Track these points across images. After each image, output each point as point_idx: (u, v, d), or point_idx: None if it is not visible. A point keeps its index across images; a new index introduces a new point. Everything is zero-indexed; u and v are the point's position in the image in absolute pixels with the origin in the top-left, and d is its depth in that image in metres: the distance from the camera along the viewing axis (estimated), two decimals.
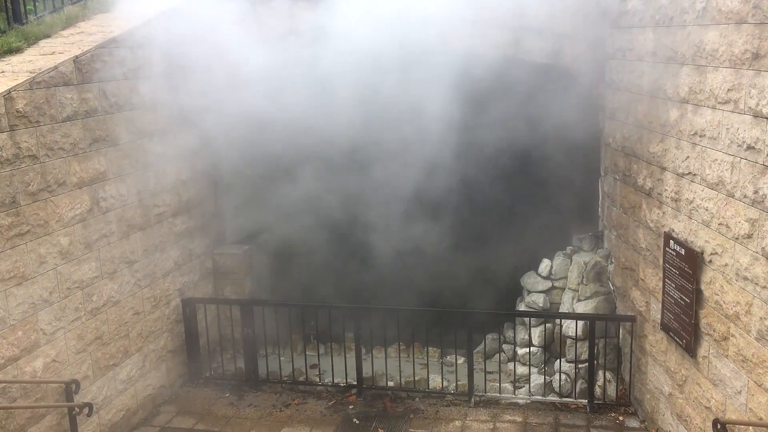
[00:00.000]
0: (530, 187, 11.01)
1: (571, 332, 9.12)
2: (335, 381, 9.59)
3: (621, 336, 9.08)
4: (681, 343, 6.89)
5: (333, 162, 10.87)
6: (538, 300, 9.96)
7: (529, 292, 10.18)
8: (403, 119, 10.11)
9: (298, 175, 10.93)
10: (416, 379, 9.51)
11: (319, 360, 10.04)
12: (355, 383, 9.35)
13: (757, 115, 5.36)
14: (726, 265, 5.96)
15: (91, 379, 7.77)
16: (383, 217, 11.17)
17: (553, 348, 9.73)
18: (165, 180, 9.18)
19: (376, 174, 10.84)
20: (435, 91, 9.59)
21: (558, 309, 9.85)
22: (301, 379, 9.82)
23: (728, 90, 5.78)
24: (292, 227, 11.54)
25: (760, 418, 5.52)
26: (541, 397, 9.08)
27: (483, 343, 10.01)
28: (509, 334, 10.28)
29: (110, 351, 8.09)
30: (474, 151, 10.39)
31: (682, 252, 6.74)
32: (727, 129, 5.84)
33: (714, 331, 6.23)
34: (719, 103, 5.95)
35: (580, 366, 9.06)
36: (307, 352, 10.57)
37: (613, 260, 9.34)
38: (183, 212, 9.67)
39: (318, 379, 9.69)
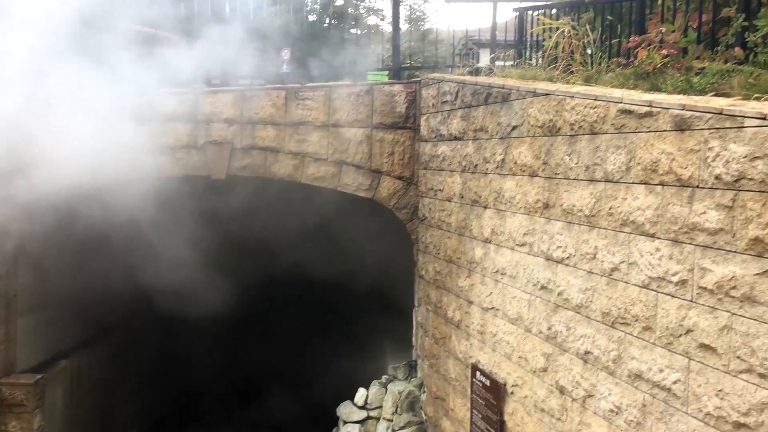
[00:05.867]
0: (346, 317, 11.16)
1: None
2: None
3: None
4: None
5: None
6: (354, 431, 9.84)
7: (345, 422, 10.04)
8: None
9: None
10: None
11: None
12: None
13: (548, 258, 5.93)
14: (526, 396, 6.31)
15: None
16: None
17: None
18: None
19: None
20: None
21: None
22: None
23: (524, 234, 6.37)
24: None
25: None
26: None
27: None
28: None
29: None
30: (278, 281, 10.45)
31: (488, 383, 7.06)
32: (524, 269, 6.37)
33: None
34: (517, 245, 6.51)
35: None
36: None
37: (425, 390, 9.55)
38: None
39: None
